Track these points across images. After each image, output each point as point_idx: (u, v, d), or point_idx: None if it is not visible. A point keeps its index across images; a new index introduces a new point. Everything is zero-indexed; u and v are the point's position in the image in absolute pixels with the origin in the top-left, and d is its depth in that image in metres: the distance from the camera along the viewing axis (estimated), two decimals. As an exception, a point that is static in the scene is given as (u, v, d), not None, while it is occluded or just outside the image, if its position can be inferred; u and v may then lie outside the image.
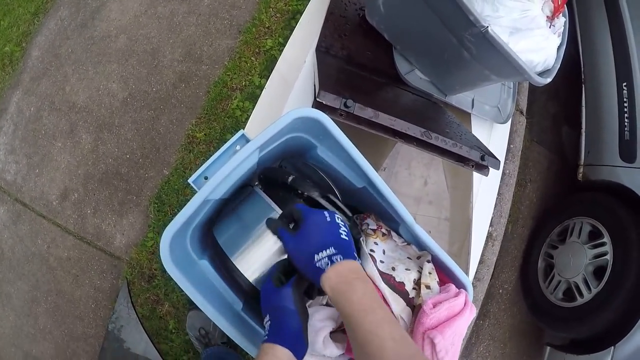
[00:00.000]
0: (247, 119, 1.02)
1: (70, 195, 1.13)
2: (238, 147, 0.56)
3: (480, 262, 1.22)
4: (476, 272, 1.22)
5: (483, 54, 0.73)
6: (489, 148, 1.14)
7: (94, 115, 1.14)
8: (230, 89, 1.06)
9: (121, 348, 1.07)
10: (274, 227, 0.45)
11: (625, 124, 1.28)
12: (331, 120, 0.50)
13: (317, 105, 0.58)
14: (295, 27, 0.97)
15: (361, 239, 0.54)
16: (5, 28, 1.42)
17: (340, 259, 0.38)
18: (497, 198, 1.26)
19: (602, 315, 1.12)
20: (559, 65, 0.82)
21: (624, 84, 1.29)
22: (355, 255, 0.41)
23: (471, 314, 0.55)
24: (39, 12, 1.39)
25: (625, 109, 1.29)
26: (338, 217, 0.43)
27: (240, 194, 0.57)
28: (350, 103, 0.53)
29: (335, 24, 0.97)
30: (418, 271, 0.56)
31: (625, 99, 1.29)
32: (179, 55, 1.13)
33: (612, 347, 1.09)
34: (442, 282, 0.58)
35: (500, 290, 1.35)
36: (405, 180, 0.99)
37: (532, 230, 1.41)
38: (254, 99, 1.02)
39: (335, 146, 0.55)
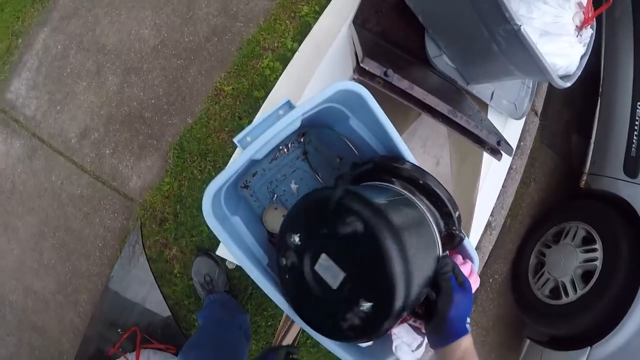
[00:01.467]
0: (276, 79, 1.10)
1: (90, 134, 1.20)
2: (281, 112, 0.62)
3: (477, 248, 1.33)
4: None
5: (512, 50, 0.82)
6: (501, 141, 1.23)
7: (123, 58, 1.21)
8: (263, 48, 1.14)
9: (122, 294, 1.14)
10: (451, 267, 0.51)
11: (634, 141, 1.38)
12: (371, 95, 0.57)
13: (359, 70, 0.65)
14: (333, -5, 1.04)
15: None
16: (34, -38, 1.46)
17: (470, 328, 0.49)
18: (500, 190, 1.37)
19: (584, 317, 1.23)
20: (579, 73, 0.91)
21: (639, 103, 1.39)
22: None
23: (475, 282, 0.64)
24: (70, -51, 1.43)
25: (636, 127, 1.39)
26: None
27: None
28: (390, 73, 0.61)
29: (373, 0, 1.04)
30: None
31: (637, 118, 1.39)
32: (214, 9, 1.20)
33: (589, 347, 1.20)
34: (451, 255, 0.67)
35: (491, 280, 1.47)
36: (419, 158, 1.07)
37: (529, 227, 1.52)
38: (284, 60, 1.10)
39: (368, 119, 0.62)
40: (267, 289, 0.57)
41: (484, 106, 1.22)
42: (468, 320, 0.49)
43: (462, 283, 0.51)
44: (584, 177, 1.48)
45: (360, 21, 0.99)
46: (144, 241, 1.11)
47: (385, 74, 0.60)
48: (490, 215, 1.38)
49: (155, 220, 1.11)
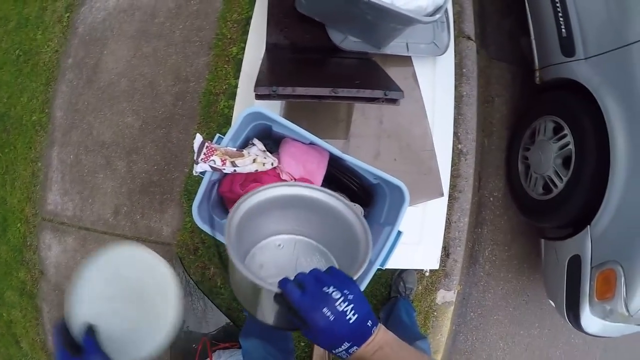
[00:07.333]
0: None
1: (120, 210, 1.85)
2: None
3: (457, 176, 1.79)
4: (456, 185, 1.78)
5: (378, 15, 1.32)
6: (435, 78, 1.71)
7: (121, 145, 1.86)
8: (215, 94, 1.73)
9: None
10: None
11: (561, 22, 1.78)
12: (266, 110, 1.07)
13: (256, 95, 1.19)
14: (249, 31, 1.61)
15: None
16: (27, 102, 2.19)
17: (356, 349, 0.48)
18: (459, 118, 1.83)
19: (575, 199, 1.55)
20: (448, 2, 1.38)
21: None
22: (367, 325, 0.49)
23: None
24: (50, 81, 2.14)
25: (559, 8, 1.80)
26: (342, 298, 0.49)
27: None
28: (275, 88, 1.13)
29: (276, 21, 1.58)
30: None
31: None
32: (170, 80, 1.82)
33: (588, 225, 1.48)
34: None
35: (491, 199, 1.90)
36: (362, 123, 1.58)
37: (508, 139, 1.94)
38: (235, 97, 1.68)
39: (279, 122, 1.13)
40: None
41: (407, 58, 1.71)
42: (342, 347, 0.48)
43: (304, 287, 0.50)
44: (537, 74, 1.88)
45: (271, 45, 1.55)
46: (188, 270, 1.71)
47: (273, 90, 1.13)
48: (459, 144, 1.84)
49: (190, 252, 1.71)
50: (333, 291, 0.49)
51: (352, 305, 0.49)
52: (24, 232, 2.04)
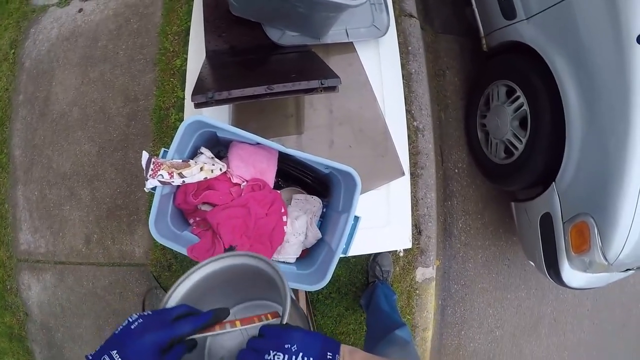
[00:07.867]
0: (185, 124, 1.68)
1: (91, 238, 1.84)
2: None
3: (417, 153, 1.79)
4: (417, 162, 1.79)
5: (309, 6, 1.33)
6: (381, 60, 1.72)
7: (82, 174, 1.85)
8: (166, 109, 1.73)
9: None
10: None
11: (498, -14, 1.80)
12: (206, 117, 1.08)
13: (194, 105, 1.19)
14: (189, 42, 1.61)
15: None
16: (-16, 145, 2.18)
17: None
18: (411, 96, 1.84)
19: (537, 157, 1.57)
20: None
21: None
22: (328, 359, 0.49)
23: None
24: (4, 121, 2.13)
25: (493, -27, 1.81)
26: (286, 357, 0.49)
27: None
28: (211, 94, 1.13)
29: (212, 27, 1.59)
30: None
31: (489, -34, 1.81)
32: (120, 102, 1.82)
33: (553, 182, 1.51)
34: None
35: (456, 170, 1.92)
36: (312, 115, 1.59)
37: (464, 109, 1.95)
38: (184, 109, 1.68)
39: (221, 128, 1.13)
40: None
41: (350, 45, 1.72)
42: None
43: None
44: (483, 41, 1.90)
45: (211, 52, 1.55)
46: (165, 288, 1.71)
47: (209, 97, 1.13)
48: (415, 121, 1.85)
49: (164, 268, 1.71)
50: (275, 355, 0.49)
51: (301, 354, 0.49)
52: (2, 276, 2.03)
